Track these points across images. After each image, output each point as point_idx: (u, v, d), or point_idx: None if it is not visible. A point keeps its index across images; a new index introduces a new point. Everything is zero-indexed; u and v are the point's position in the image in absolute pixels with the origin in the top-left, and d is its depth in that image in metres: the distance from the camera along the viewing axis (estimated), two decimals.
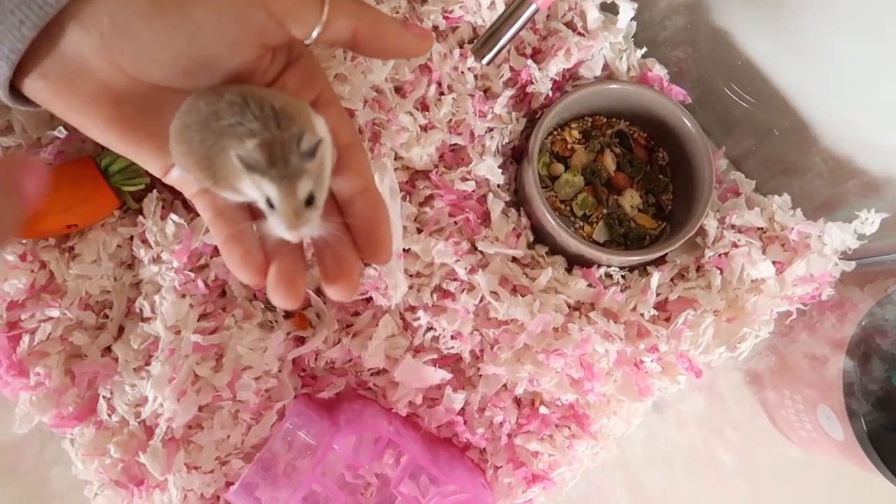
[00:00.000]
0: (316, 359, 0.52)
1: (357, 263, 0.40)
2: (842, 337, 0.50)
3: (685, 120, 0.54)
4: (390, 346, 0.52)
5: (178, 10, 0.34)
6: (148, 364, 0.48)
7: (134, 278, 0.50)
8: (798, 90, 0.52)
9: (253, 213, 0.40)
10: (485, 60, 0.47)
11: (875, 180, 0.51)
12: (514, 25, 0.46)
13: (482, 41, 0.47)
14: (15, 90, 0.38)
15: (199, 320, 0.49)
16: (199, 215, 0.45)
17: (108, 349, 0.50)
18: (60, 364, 0.48)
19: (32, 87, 0.38)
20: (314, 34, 0.37)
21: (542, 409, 0.51)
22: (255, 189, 0.35)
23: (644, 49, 0.57)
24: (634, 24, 0.57)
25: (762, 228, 0.54)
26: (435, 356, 0.52)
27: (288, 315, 0.52)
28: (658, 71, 0.56)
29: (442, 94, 0.54)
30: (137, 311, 0.49)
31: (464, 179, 0.54)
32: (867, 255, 0.53)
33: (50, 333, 0.48)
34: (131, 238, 0.50)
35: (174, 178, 0.40)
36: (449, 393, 0.51)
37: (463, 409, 0.52)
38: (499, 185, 0.54)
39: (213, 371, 0.49)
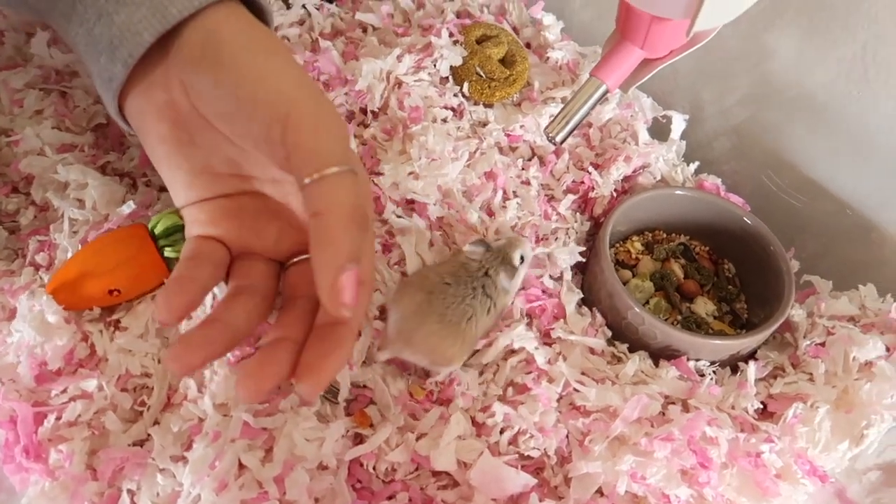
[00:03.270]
0: (376, 463, 0.45)
1: (336, 365, 0.34)
2: None
3: (750, 222, 0.55)
4: (462, 448, 0.45)
5: (235, 81, 0.35)
6: (188, 450, 0.41)
7: None
8: (857, 192, 0.54)
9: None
10: (558, 138, 0.49)
11: None
12: (585, 105, 0.48)
13: (554, 120, 0.49)
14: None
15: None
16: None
17: (140, 444, 0.43)
18: (84, 451, 0.41)
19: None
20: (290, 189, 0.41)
21: None
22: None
23: (697, 163, 0.59)
24: (684, 143, 0.60)
25: (854, 317, 0.51)
26: (514, 457, 0.45)
27: (348, 412, 0.46)
28: (713, 181, 0.58)
29: (507, 199, 0.55)
30: (182, 391, 0.43)
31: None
32: None
33: (80, 415, 0.42)
34: None
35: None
36: (535, 502, 0.43)
37: None
38: (571, 279, 0.52)
39: (261, 463, 0.41)
